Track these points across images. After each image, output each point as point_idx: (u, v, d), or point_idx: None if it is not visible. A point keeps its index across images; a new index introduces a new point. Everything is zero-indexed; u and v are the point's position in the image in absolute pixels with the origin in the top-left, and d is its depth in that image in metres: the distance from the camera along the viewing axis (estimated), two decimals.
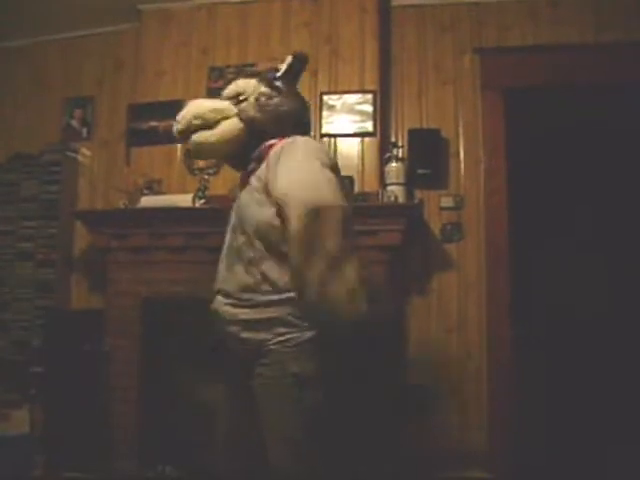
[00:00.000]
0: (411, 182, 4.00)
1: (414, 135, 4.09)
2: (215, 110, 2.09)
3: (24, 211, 4.41)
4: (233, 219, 2.04)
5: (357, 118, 4.03)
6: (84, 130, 4.64)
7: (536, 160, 4.96)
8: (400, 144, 4.08)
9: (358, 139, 4.04)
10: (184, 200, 3.93)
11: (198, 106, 2.13)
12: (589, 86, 4.13)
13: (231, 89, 2.16)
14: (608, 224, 5.14)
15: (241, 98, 2.11)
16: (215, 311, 1.99)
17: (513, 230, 4.03)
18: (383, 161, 3.99)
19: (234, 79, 2.25)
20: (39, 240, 4.38)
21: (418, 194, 4.05)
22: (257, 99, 2.09)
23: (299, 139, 1.97)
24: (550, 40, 4.06)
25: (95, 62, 4.70)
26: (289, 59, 2.17)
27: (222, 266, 2.03)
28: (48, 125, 4.65)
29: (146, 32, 4.43)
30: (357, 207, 3.55)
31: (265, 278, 1.90)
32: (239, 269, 1.94)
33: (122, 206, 4.05)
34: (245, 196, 1.99)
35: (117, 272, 4.02)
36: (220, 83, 4.04)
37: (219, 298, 1.98)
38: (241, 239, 1.96)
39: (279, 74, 2.16)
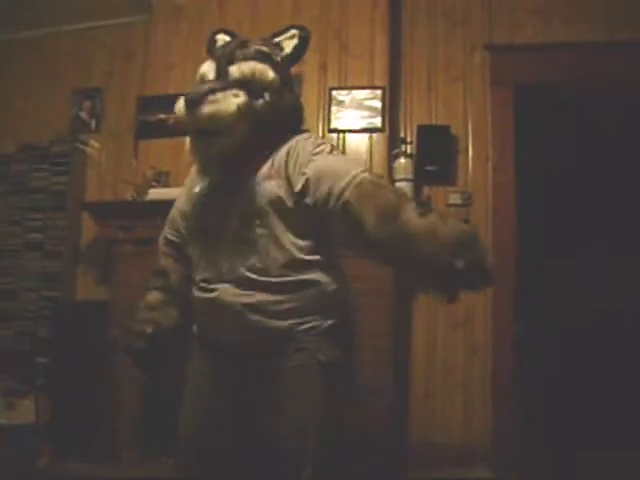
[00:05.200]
0: (419, 178, 3.99)
1: (423, 131, 4.07)
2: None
3: (33, 202, 4.43)
4: (236, 206, 1.88)
5: (366, 114, 4.02)
6: (93, 122, 4.65)
7: (545, 157, 4.95)
8: (409, 140, 4.07)
9: (367, 135, 4.03)
10: None
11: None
12: (601, 84, 4.12)
13: (239, 73, 1.85)
14: (617, 220, 5.11)
15: (252, 89, 1.84)
16: (219, 301, 1.87)
17: (521, 227, 4.02)
18: (391, 157, 3.98)
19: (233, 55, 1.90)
20: (47, 231, 4.39)
21: (426, 190, 4.04)
22: (270, 99, 1.87)
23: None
24: (562, 38, 4.04)
25: (105, 54, 4.71)
26: (295, 39, 1.96)
27: (222, 254, 1.89)
28: (58, 116, 4.66)
29: (156, 24, 4.43)
30: None
31: (290, 263, 1.86)
32: (257, 255, 1.85)
33: (130, 198, 4.06)
34: (261, 184, 1.87)
35: (123, 264, 4.02)
36: None
37: (227, 287, 1.86)
38: (257, 227, 1.85)
39: (287, 57, 1.96)
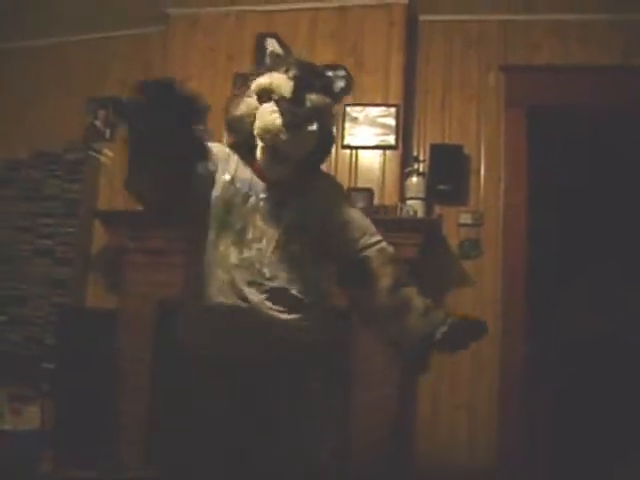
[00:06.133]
0: (431, 197, 3.99)
1: (436, 150, 4.08)
2: None
3: (44, 208, 4.45)
4: (283, 216, 1.97)
5: (379, 131, 4.02)
6: (107, 131, 4.67)
7: (558, 179, 4.93)
8: (422, 159, 4.08)
9: (379, 152, 4.04)
10: None
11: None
12: (615, 107, 4.12)
13: (316, 104, 1.97)
14: (630, 242, 5.08)
15: (320, 121, 1.98)
16: (254, 311, 1.90)
17: (532, 248, 4.01)
18: (404, 175, 3.98)
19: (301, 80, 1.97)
20: (58, 238, 4.40)
21: (437, 210, 4.04)
22: (330, 132, 2.08)
23: None
24: (578, 61, 4.05)
25: (121, 64, 4.72)
26: (343, 80, 2.10)
27: (262, 261, 1.92)
28: (72, 124, 4.66)
29: (173, 36, 4.46)
30: (375, 220, 3.58)
31: (317, 280, 2.02)
32: (295, 268, 1.94)
33: (141, 208, 4.06)
34: (307, 204, 2.01)
35: (133, 273, 4.03)
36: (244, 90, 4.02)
37: (262, 298, 1.90)
38: (299, 243, 1.96)
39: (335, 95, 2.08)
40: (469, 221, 4.02)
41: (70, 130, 4.64)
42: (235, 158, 2.05)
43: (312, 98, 1.94)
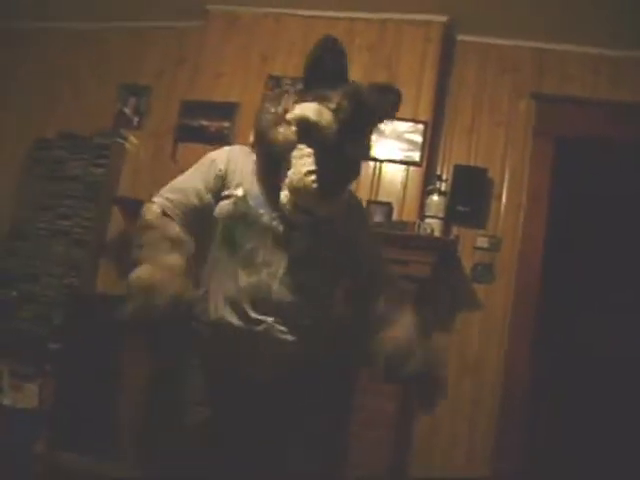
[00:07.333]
0: (450, 217, 3.98)
1: (459, 171, 4.08)
2: None
3: (67, 190, 4.48)
4: (296, 243, 1.91)
5: (405, 146, 4.02)
6: (135, 119, 4.70)
7: (579, 212, 4.90)
8: (444, 178, 4.07)
9: (403, 167, 4.04)
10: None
11: None
12: None
13: (361, 154, 1.96)
14: None
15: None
16: (266, 335, 1.87)
17: (547, 278, 3.99)
18: (425, 192, 3.98)
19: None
20: (76, 219, 4.43)
21: (455, 230, 4.03)
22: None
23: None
24: (609, 95, 4.03)
25: (156, 54, 4.77)
26: (390, 105, 2.01)
27: (272, 286, 1.87)
28: (102, 109, 4.71)
29: (210, 32, 4.49)
30: (392, 235, 3.59)
31: (324, 303, 2.02)
32: (304, 296, 1.92)
33: None
34: (330, 235, 1.97)
35: None
36: (276, 92, 4.05)
37: (272, 322, 1.87)
38: (309, 267, 1.93)
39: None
40: (485, 245, 4.01)
41: (101, 115, 4.69)
42: (248, 168, 1.97)
43: (353, 150, 1.84)
